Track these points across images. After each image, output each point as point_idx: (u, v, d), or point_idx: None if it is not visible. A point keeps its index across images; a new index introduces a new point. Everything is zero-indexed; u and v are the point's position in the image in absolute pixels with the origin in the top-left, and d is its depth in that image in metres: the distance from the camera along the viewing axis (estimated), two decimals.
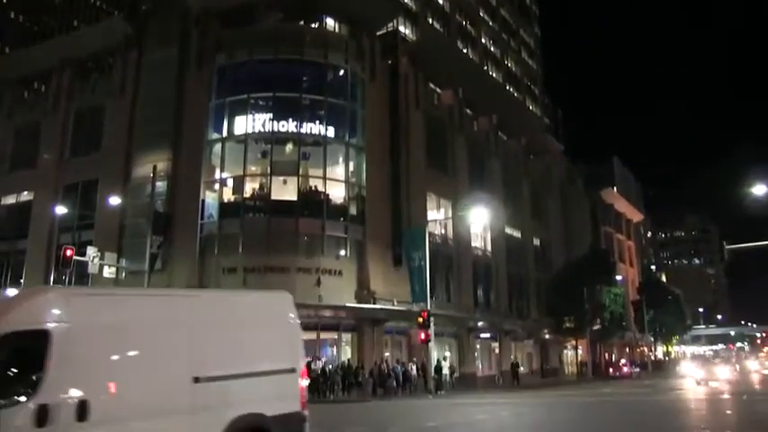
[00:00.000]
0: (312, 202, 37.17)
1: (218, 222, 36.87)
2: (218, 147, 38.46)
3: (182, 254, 36.61)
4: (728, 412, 20.58)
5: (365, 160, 39.26)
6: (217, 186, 38.24)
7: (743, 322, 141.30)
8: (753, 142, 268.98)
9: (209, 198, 37.83)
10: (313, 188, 37.83)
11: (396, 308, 37.02)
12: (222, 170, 38.23)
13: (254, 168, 38.43)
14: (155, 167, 36.22)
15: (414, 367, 34.70)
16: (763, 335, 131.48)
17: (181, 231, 36.86)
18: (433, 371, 34.29)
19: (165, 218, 36.79)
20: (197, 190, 37.37)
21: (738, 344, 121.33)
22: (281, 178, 37.79)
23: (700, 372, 40.65)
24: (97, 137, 42.65)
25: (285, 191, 37.50)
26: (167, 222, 36.73)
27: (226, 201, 37.76)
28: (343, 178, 39.14)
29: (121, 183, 39.48)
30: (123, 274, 35.41)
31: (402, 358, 37.46)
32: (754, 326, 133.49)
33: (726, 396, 27.14)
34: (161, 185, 38.07)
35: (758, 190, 40.61)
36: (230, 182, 38.48)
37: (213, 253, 36.41)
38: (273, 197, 36.95)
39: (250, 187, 37.97)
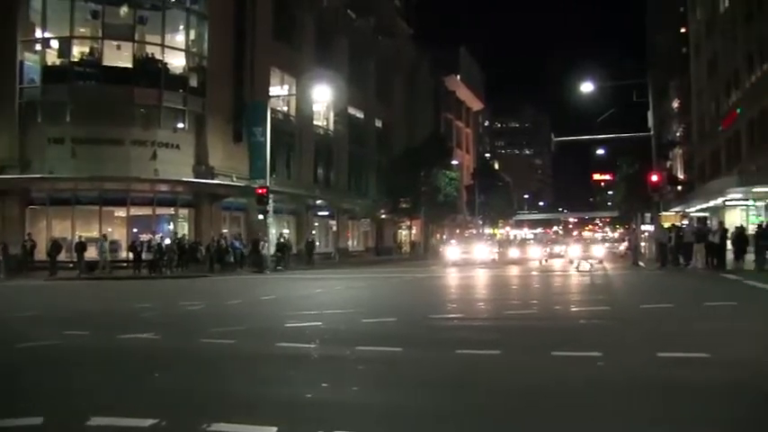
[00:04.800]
0: (149, 70, 35.06)
1: (42, 88, 33.92)
2: (37, 2, 34.68)
3: None
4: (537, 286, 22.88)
5: (207, 29, 37.32)
6: (38, 47, 34.89)
7: (560, 209, 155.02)
8: (590, 41, 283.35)
9: (30, 60, 34.49)
10: (150, 56, 35.65)
11: (235, 183, 36.77)
12: (44, 29, 34.79)
13: (83, 30, 35.37)
14: None
15: (252, 243, 35.01)
16: (576, 220, 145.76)
17: None
18: (272, 247, 34.78)
19: None
20: (13, 50, 33.79)
21: (554, 228, 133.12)
22: (115, 43, 35.21)
23: (516, 252, 44.18)
24: None
25: (119, 57, 35.06)
26: None
27: (50, 64, 34.63)
28: (183, 47, 37.14)
29: None
30: None
31: (241, 234, 37.62)
32: (566, 212, 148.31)
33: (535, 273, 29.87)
34: None
35: (586, 87, 43.67)
36: (55, 43, 35.27)
37: (36, 121, 33.77)
38: (106, 63, 34.47)
39: (78, 51, 35.06)
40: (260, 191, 32.96)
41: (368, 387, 6.94)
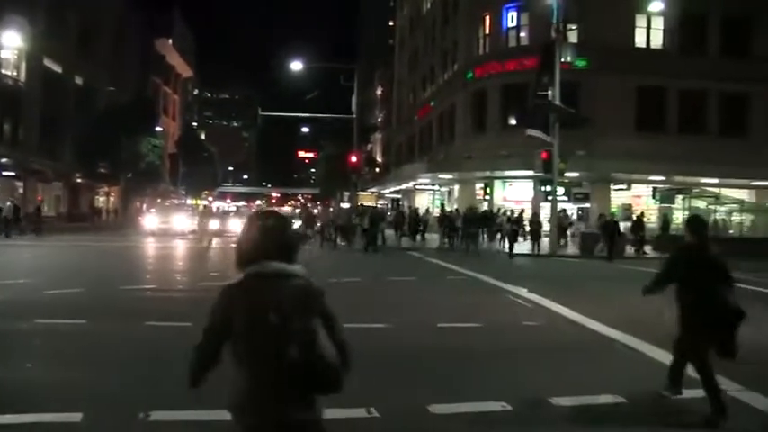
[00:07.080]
0: None
1: None
2: None
3: None
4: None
5: None
6: None
7: (265, 183, 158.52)
8: (308, 23, 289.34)
9: None
10: None
11: None
12: None
13: None
14: None
15: None
16: (279, 195, 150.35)
17: None
18: None
19: None
20: None
21: (258, 201, 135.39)
22: None
23: (216, 223, 44.25)
24: None
25: None
26: None
27: None
28: None
29: None
30: None
31: None
32: (270, 186, 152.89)
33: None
34: None
35: (295, 66, 45.28)
36: None
37: None
38: None
39: None
40: None
41: (43, 364, 6.74)
